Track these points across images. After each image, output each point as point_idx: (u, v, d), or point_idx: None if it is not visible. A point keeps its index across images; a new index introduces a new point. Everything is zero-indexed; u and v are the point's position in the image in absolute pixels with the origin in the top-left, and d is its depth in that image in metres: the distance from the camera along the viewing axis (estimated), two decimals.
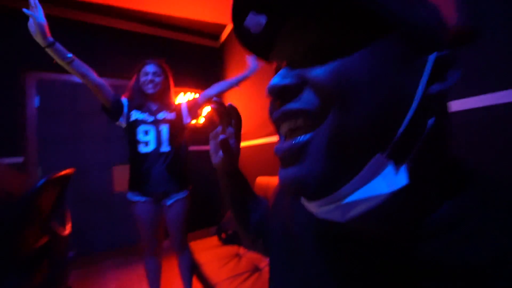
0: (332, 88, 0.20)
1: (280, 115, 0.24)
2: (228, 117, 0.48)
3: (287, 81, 0.22)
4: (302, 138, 0.22)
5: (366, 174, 0.19)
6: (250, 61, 1.53)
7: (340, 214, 0.21)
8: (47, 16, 2.11)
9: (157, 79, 1.42)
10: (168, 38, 2.81)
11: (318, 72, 0.21)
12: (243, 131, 2.56)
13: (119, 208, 2.47)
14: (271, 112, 0.26)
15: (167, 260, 1.70)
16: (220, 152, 0.48)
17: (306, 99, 0.22)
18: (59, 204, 1.28)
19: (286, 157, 0.23)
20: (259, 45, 0.29)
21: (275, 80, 0.23)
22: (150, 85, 1.40)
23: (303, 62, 0.22)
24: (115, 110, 1.39)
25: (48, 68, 2.20)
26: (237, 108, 0.48)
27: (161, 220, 1.47)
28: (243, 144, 2.63)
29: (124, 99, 1.43)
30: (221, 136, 0.44)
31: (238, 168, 0.53)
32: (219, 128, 0.49)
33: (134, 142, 1.39)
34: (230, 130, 0.49)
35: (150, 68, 1.42)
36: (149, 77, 1.40)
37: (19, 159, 2.01)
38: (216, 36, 3.08)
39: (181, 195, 1.45)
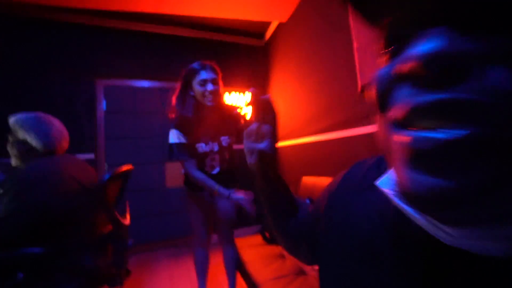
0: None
1: (434, 106, 0.14)
2: (263, 112, 0.43)
3: (469, 46, 0.13)
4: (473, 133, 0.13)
5: None
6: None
7: (477, 248, 0.15)
8: (101, 29, 2.35)
9: (216, 87, 1.30)
10: (214, 40, 2.92)
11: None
12: (288, 129, 2.53)
13: (172, 202, 2.67)
14: (400, 96, 0.16)
15: (213, 253, 1.77)
16: (255, 153, 0.44)
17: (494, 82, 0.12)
18: (121, 196, 1.43)
19: (435, 158, 0.14)
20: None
21: (441, 44, 0.14)
22: (209, 97, 1.29)
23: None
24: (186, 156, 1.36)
25: (113, 75, 2.50)
26: (276, 103, 0.44)
27: (211, 213, 1.54)
28: (288, 142, 2.59)
29: (176, 137, 1.32)
30: (248, 144, 0.41)
31: (276, 170, 0.47)
32: (254, 126, 0.44)
33: (202, 165, 1.41)
34: (265, 128, 0.44)
35: (207, 75, 1.28)
36: (208, 86, 1.27)
37: (91, 156, 2.32)
38: (261, 35, 3.08)
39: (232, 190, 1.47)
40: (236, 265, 1.59)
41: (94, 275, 1.12)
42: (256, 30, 2.95)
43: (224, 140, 1.47)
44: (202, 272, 1.57)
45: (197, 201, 1.49)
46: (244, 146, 0.46)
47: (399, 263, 0.22)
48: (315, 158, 2.08)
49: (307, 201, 1.84)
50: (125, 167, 1.34)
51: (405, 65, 0.15)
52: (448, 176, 0.13)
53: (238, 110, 1.61)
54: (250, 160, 0.45)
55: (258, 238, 1.83)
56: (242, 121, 1.57)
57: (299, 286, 1.20)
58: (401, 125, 0.16)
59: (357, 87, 1.53)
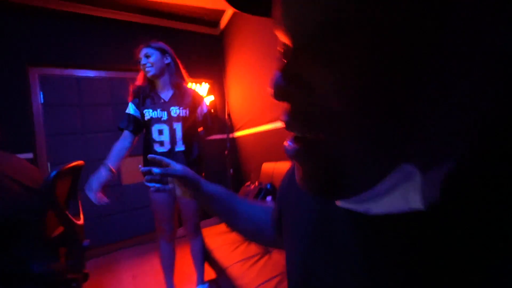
0: (344, 103, 0.15)
1: (289, 124, 0.19)
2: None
3: (290, 88, 0.17)
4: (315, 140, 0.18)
5: (386, 185, 0.17)
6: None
7: (362, 210, 0.20)
8: (35, 9, 2.10)
9: (151, 59, 1.37)
10: (167, 27, 2.77)
11: (325, 81, 0.16)
12: (247, 118, 2.57)
13: (129, 199, 2.53)
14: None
15: (179, 246, 1.75)
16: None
17: (317, 108, 0.17)
18: (73, 196, 1.32)
19: (298, 159, 0.20)
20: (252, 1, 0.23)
21: (277, 83, 0.18)
22: (146, 69, 1.38)
23: (314, 46, 0.16)
24: (136, 128, 1.42)
25: (50, 63, 2.21)
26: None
27: (175, 207, 1.52)
28: (247, 131, 2.64)
29: (132, 109, 1.42)
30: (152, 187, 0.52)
31: (203, 189, 0.49)
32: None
33: (150, 141, 1.42)
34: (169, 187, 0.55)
35: (141, 53, 1.39)
36: (142, 61, 1.38)
37: (29, 155, 2.06)
38: (215, 23, 3.02)
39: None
40: (203, 256, 1.61)
41: (47, 281, 1.04)
42: (210, 18, 2.88)
43: (174, 110, 1.41)
44: (168, 267, 1.55)
45: (159, 195, 1.46)
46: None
47: (341, 236, 0.24)
48: (273, 145, 2.17)
49: (268, 186, 1.91)
50: (74, 163, 1.24)
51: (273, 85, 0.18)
52: (306, 170, 0.19)
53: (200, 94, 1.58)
54: (179, 192, 0.53)
55: (223, 226, 1.86)
56: (202, 102, 1.53)
57: (264, 264, 1.29)
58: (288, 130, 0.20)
59: None
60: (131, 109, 1.43)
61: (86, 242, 1.26)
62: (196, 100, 1.50)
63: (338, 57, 0.15)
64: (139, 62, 1.40)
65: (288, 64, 0.17)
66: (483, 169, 0.16)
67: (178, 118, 1.42)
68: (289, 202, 0.36)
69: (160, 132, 1.40)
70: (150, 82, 1.45)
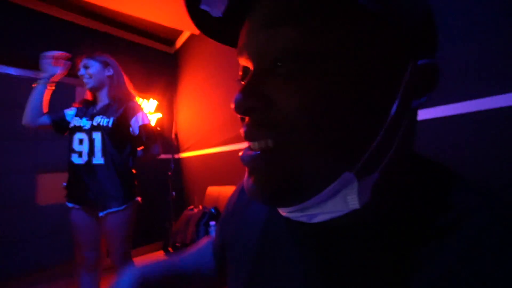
0: (298, 118, 0.19)
1: (248, 134, 0.22)
2: None
3: (251, 102, 0.20)
4: (268, 148, 0.21)
5: (331, 191, 0.20)
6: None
7: (306, 219, 0.23)
8: None
9: (90, 71, 1.32)
10: (119, 37, 2.62)
11: (283, 98, 0.19)
12: (194, 140, 2.52)
13: (44, 223, 2.10)
14: (242, 122, 0.23)
15: (105, 279, 1.49)
16: None
17: (274, 120, 0.20)
18: None
19: (253, 165, 0.22)
20: (221, 30, 0.25)
21: (239, 98, 0.20)
22: (84, 80, 1.33)
23: (273, 69, 0.20)
24: (57, 128, 1.35)
25: None
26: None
27: (99, 232, 1.33)
28: (193, 153, 2.57)
29: (70, 109, 1.38)
30: None
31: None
32: None
33: (69, 151, 1.29)
34: None
35: (81, 63, 1.34)
36: (81, 71, 1.33)
37: None
38: (172, 42, 3.00)
39: (117, 208, 1.29)
40: None
41: None
42: (166, 36, 2.85)
43: (97, 119, 1.29)
44: None
45: (77, 217, 1.28)
46: None
47: (285, 248, 0.27)
48: (219, 168, 2.17)
49: (213, 210, 1.87)
50: None
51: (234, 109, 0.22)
52: (261, 177, 0.21)
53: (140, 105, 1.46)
54: None
55: (160, 255, 1.71)
56: (139, 113, 1.39)
57: None
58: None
59: None
60: (68, 111, 1.38)
61: None
62: (130, 111, 1.37)
63: (291, 78, 0.19)
64: (78, 72, 1.34)
65: (249, 83, 0.21)
66: (395, 179, 0.22)
67: (98, 128, 1.28)
68: (233, 229, 0.36)
69: (81, 141, 1.28)
70: (91, 95, 1.40)
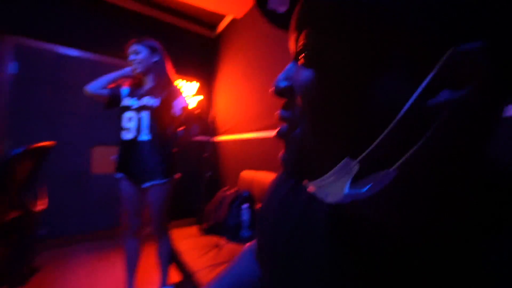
0: (304, 107, 0.21)
1: (279, 113, 0.25)
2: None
3: (283, 84, 0.23)
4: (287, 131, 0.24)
5: (335, 173, 0.20)
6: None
7: (323, 196, 0.23)
8: None
9: (139, 56, 1.39)
10: (164, 21, 2.72)
11: (302, 77, 0.21)
12: (230, 124, 2.56)
13: (96, 191, 2.36)
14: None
15: (146, 245, 1.65)
16: None
17: (292, 105, 0.23)
18: (34, 178, 1.20)
19: (281, 140, 0.25)
20: (286, 22, 0.27)
21: (277, 80, 0.24)
22: (134, 66, 1.40)
23: (309, 55, 0.20)
24: (110, 101, 1.44)
25: (30, 34, 2.06)
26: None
27: (143, 202, 1.45)
28: (229, 137, 2.62)
29: (124, 88, 1.45)
30: None
31: None
32: None
33: (120, 128, 1.40)
34: None
35: (131, 48, 1.40)
36: (131, 57, 1.40)
37: None
38: (213, 26, 3.03)
39: (159, 181, 1.41)
40: (169, 258, 1.53)
41: None
42: (208, 20, 2.88)
43: (145, 100, 1.39)
44: (131, 265, 1.46)
45: (124, 187, 1.41)
46: None
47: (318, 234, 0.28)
48: (254, 154, 2.17)
49: (245, 194, 1.89)
50: (43, 143, 1.14)
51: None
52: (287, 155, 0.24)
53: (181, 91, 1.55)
54: None
55: (195, 229, 1.80)
56: (180, 97, 1.49)
57: None
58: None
59: None
60: (123, 89, 1.47)
61: (43, 231, 1.14)
62: (172, 93, 1.47)
63: (304, 68, 0.21)
64: (128, 57, 1.41)
65: (287, 68, 0.24)
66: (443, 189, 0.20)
67: (147, 107, 1.38)
68: (269, 225, 0.36)
69: (129, 119, 1.39)
70: (136, 78, 1.47)
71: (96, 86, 1.41)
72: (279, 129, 0.25)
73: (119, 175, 1.42)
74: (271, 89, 0.24)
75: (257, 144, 2.15)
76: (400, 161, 0.17)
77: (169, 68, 1.50)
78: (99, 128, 2.37)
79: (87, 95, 1.43)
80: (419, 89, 0.15)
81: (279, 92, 0.24)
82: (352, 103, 0.18)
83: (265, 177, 1.74)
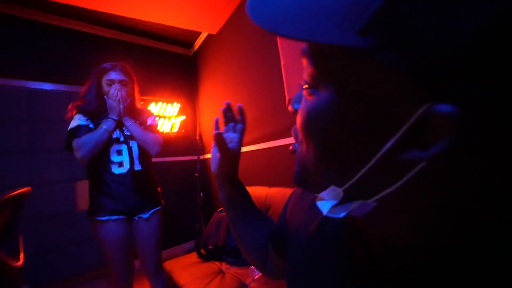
0: (301, 126, 0.23)
1: (294, 133, 0.27)
2: (234, 119, 0.49)
3: (295, 106, 0.26)
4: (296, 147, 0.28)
5: (324, 194, 0.22)
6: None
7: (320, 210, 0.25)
8: (7, 16, 1.92)
9: (127, 89, 1.31)
10: (139, 44, 2.67)
11: (303, 103, 0.23)
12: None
13: (85, 228, 2.22)
14: None
15: (139, 280, 1.53)
16: (218, 156, 0.45)
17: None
18: (10, 230, 1.10)
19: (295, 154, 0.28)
20: None
21: (293, 100, 0.27)
22: (121, 98, 1.28)
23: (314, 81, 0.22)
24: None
25: None
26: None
27: (131, 245, 1.33)
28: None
29: (83, 120, 1.25)
30: (216, 131, 0.42)
31: (237, 176, 0.50)
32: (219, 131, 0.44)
33: (106, 163, 1.27)
34: (233, 136, 0.48)
35: (116, 75, 1.28)
36: (116, 86, 1.27)
37: None
38: (190, 44, 3.01)
39: (157, 208, 1.37)
40: None
41: None
42: (184, 38, 2.86)
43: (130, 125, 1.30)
44: None
45: (113, 228, 1.23)
46: (211, 152, 0.48)
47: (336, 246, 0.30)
48: (246, 168, 2.12)
49: None
50: (18, 191, 1.05)
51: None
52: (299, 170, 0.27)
53: (155, 116, 1.49)
54: (214, 166, 0.47)
55: (193, 256, 1.71)
56: (151, 116, 1.43)
57: None
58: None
59: (286, 100, 1.66)
60: (81, 120, 1.24)
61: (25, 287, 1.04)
62: (146, 116, 1.42)
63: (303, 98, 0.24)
64: (105, 82, 1.28)
65: (300, 90, 0.26)
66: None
67: (132, 137, 1.32)
68: (292, 222, 0.40)
69: (119, 152, 1.29)
70: (101, 101, 1.30)
71: (92, 153, 1.21)
72: (293, 145, 0.29)
73: (102, 218, 1.22)
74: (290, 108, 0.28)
75: (247, 159, 2.10)
76: (378, 196, 0.19)
77: (137, 89, 1.44)
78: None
79: (86, 162, 1.24)
80: (387, 145, 0.17)
81: (293, 112, 0.27)
82: (339, 139, 0.20)
83: (257, 191, 1.68)
